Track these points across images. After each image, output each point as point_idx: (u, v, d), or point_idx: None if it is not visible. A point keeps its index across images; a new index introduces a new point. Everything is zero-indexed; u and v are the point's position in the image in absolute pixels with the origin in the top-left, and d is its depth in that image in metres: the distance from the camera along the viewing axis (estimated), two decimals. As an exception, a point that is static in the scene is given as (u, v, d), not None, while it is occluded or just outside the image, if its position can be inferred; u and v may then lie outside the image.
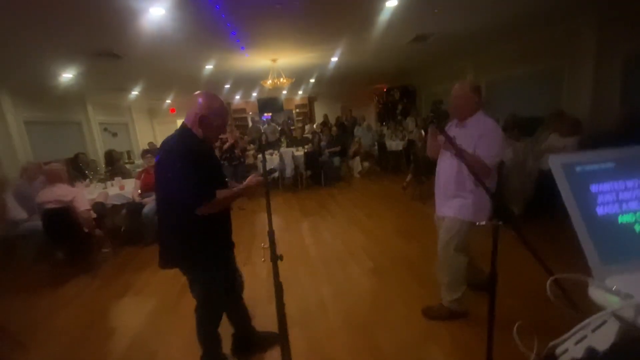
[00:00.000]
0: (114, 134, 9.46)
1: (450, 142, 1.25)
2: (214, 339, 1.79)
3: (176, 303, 2.79)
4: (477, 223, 1.17)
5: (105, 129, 9.08)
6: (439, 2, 3.84)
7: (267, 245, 1.14)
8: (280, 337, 1.25)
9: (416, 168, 5.51)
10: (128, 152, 9.60)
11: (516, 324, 0.70)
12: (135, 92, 8.84)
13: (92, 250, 3.63)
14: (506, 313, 1.54)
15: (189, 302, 2.72)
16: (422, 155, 5.49)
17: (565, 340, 0.60)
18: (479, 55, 7.04)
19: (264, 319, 2.19)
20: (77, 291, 3.15)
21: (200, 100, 1.57)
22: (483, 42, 6.13)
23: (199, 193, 1.48)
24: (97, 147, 8.32)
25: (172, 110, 12.46)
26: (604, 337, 0.51)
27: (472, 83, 2.03)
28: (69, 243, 3.44)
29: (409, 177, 5.66)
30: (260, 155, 7.50)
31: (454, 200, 2.03)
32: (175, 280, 3.20)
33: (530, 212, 3.99)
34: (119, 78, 6.83)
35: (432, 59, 7.64)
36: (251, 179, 1.68)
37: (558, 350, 0.61)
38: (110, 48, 4.51)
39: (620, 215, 0.59)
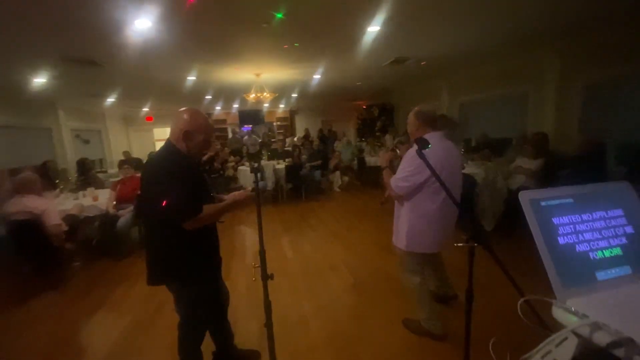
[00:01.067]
0: (86, 141, 9.09)
1: (432, 169, 1.34)
2: (196, 357, 1.77)
3: (153, 320, 2.70)
4: (455, 244, 1.25)
5: (77, 136, 8.72)
6: (418, 28, 4.09)
7: (257, 264, 1.18)
8: (270, 354, 1.26)
9: (394, 184, 5.68)
10: (100, 161, 9.25)
11: (491, 340, 0.78)
12: (111, 99, 8.60)
13: (61, 265, 3.45)
14: (480, 329, 1.62)
15: (166, 319, 2.68)
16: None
17: (533, 355, 0.68)
18: (453, 78, 7.45)
19: (243, 336, 2.18)
20: (45, 307, 2.98)
21: (185, 116, 1.59)
22: (457, 66, 6.53)
23: (185, 208, 1.48)
24: (68, 154, 7.96)
25: (149, 119, 12.17)
26: (565, 352, 0.60)
27: (420, 108, 2.11)
28: (37, 256, 3.26)
29: (387, 193, 5.81)
30: (240, 168, 7.47)
31: (396, 227, 2.16)
32: (151, 296, 3.11)
33: (499, 228, 4.22)
34: (95, 84, 6.65)
35: (409, 79, 8.01)
36: (241, 193, 1.71)
37: (527, 364, 0.69)
38: (91, 56, 4.42)
39: (577, 244, 0.69)
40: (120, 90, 7.58)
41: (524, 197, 0.70)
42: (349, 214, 5.82)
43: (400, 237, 2.14)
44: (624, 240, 0.72)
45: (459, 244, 1.21)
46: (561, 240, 0.68)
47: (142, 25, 3.45)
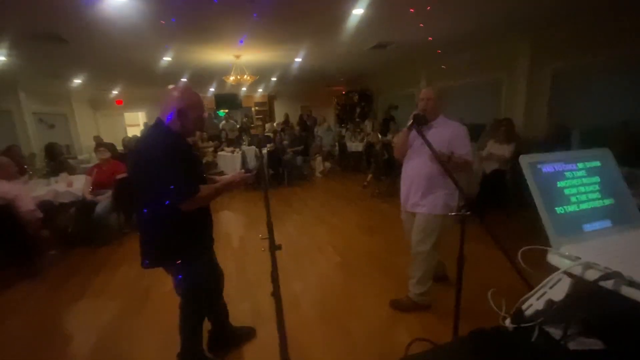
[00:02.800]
0: (51, 126, 8.53)
1: (428, 143, 1.42)
2: (196, 336, 1.79)
3: (142, 304, 2.67)
4: (449, 213, 1.35)
5: (41, 120, 8.15)
6: (402, 14, 4.13)
7: (265, 236, 1.21)
8: (278, 327, 1.31)
9: (376, 168, 5.82)
10: (67, 146, 8.73)
11: (490, 290, 0.87)
12: (77, 81, 8.08)
13: (37, 253, 3.30)
14: (463, 299, 1.74)
15: (154, 304, 2.67)
16: (381, 156, 5.83)
17: (529, 297, 0.77)
18: (431, 65, 7.61)
19: (236, 316, 2.20)
20: (23, 297, 2.86)
21: (176, 93, 1.55)
22: (436, 53, 6.66)
23: (183, 188, 1.46)
24: (31, 139, 7.44)
25: (119, 102, 11.56)
26: (559, 291, 0.69)
27: (439, 88, 2.25)
28: (10, 245, 3.10)
29: (369, 177, 5.96)
30: (220, 153, 7.33)
31: (428, 197, 2.18)
32: (137, 281, 3.07)
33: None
34: (61, 64, 6.21)
35: (389, 65, 8.09)
36: (236, 174, 1.72)
37: (524, 306, 0.78)
38: (57, 31, 4.12)
39: (568, 201, 0.78)
40: (89, 71, 7.13)
41: (524, 161, 0.78)
42: (331, 198, 5.92)
43: (440, 205, 2.15)
44: (605, 197, 0.83)
45: (451, 213, 1.29)
46: (554, 197, 0.77)
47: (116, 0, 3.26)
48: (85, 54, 5.47)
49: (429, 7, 3.72)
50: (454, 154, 2.00)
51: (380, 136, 6.71)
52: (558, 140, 4.23)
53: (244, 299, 2.68)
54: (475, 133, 5.52)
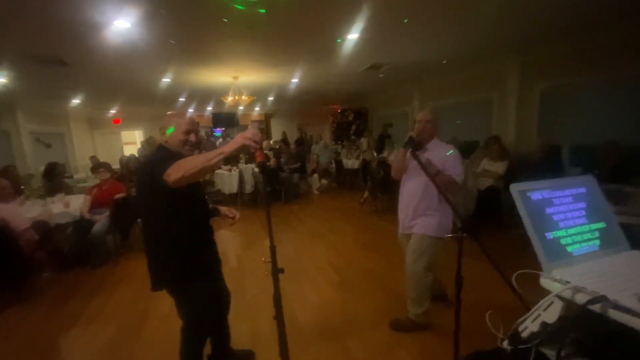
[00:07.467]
0: (48, 145, 8.54)
1: (423, 167, 1.48)
2: None
3: (139, 328, 2.63)
4: (446, 235, 1.38)
5: (38, 139, 8.17)
6: (394, 37, 4.30)
7: (267, 259, 1.23)
8: (281, 351, 1.32)
9: (372, 185, 5.88)
10: (63, 165, 8.71)
11: (488, 312, 0.90)
12: (75, 101, 8.17)
13: (31, 275, 3.26)
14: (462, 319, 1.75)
15: (152, 328, 2.64)
16: (377, 174, 5.90)
17: (525, 319, 0.81)
18: (424, 84, 7.84)
19: (233, 336, 2.18)
20: (15, 323, 2.80)
21: (165, 118, 1.70)
22: (428, 73, 6.89)
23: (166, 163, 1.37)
24: (28, 159, 7.44)
25: (117, 121, 11.63)
26: (552, 313, 0.73)
27: (435, 112, 2.27)
28: (4, 267, 3.06)
29: (366, 194, 6.00)
30: (217, 172, 7.35)
31: (422, 218, 2.21)
32: (134, 303, 3.04)
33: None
34: (60, 85, 6.30)
35: (383, 85, 8.31)
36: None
37: (520, 328, 0.82)
38: (59, 55, 4.22)
39: (557, 227, 0.83)
40: (87, 91, 7.22)
41: (514, 189, 0.83)
42: (328, 215, 5.94)
43: (434, 227, 2.16)
44: (591, 222, 0.88)
45: (448, 235, 1.34)
46: (544, 223, 0.82)
47: (120, 26, 3.37)
48: (86, 76, 5.57)
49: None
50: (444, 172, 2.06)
51: (375, 154, 6.81)
52: (549, 158, 4.34)
53: (242, 319, 2.65)
54: (470, 150, 5.67)
